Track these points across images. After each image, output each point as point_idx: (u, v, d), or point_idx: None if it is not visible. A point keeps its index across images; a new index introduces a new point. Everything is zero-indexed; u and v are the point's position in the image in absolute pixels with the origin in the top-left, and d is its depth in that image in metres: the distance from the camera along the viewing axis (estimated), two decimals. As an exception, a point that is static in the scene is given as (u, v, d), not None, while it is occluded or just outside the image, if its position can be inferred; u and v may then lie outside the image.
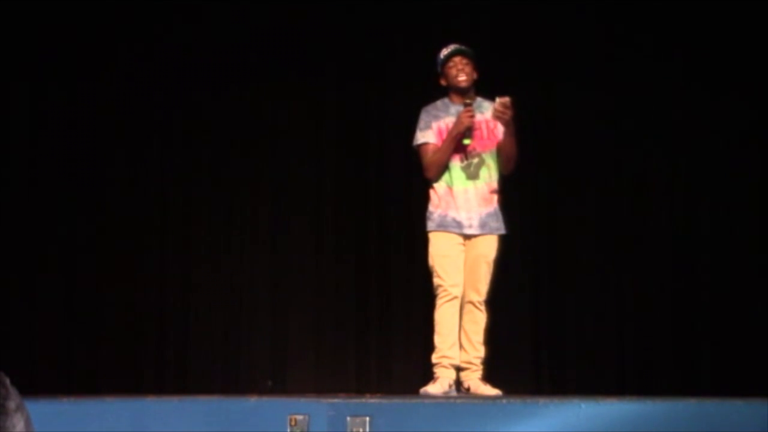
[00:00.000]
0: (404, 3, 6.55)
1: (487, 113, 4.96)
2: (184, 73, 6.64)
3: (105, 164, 6.57)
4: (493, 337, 4.98)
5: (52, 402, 3.76)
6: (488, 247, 4.90)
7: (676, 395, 5.07)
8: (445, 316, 4.84)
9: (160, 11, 6.57)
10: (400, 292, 6.52)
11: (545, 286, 6.63)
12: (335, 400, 3.54)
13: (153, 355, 6.51)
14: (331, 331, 6.58)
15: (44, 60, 6.50)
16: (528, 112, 5.19)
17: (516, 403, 3.82)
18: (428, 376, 4.89)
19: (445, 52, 4.97)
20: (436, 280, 4.88)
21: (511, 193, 5.74)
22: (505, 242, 5.07)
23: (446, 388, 4.78)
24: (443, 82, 5.00)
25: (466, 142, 4.86)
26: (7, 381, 2.02)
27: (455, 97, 4.96)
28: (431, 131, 4.95)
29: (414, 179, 5.11)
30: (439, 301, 4.85)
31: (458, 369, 4.88)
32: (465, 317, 4.87)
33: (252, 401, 3.65)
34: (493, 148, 4.93)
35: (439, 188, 4.93)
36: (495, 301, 5.00)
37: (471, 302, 4.86)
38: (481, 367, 4.90)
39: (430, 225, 4.94)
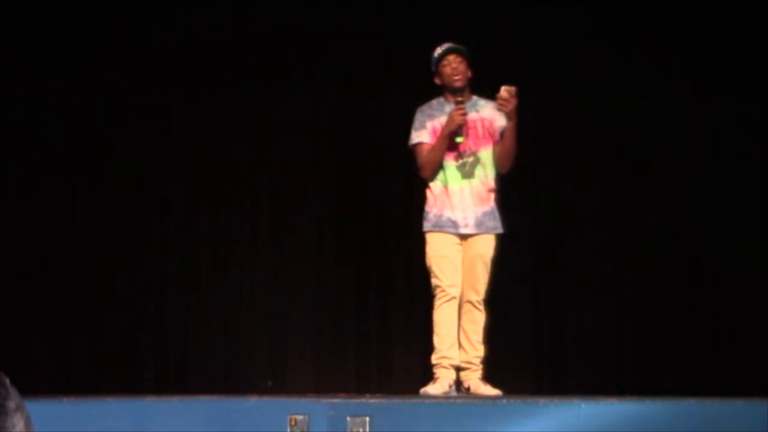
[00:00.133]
0: (404, 3, 6.55)
1: (483, 111, 4.95)
2: (184, 73, 6.63)
3: (105, 164, 6.57)
4: (493, 337, 4.98)
5: (52, 402, 3.77)
6: (485, 247, 4.88)
7: (676, 395, 5.07)
8: (443, 316, 4.83)
9: (160, 11, 6.57)
10: (400, 292, 6.52)
11: (545, 286, 6.62)
12: (335, 400, 3.55)
13: (153, 355, 6.51)
14: (331, 331, 6.58)
15: (44, 60, 6.50)
16: (528, 111, 5.17)
17: (516, 403, 3.83)
18: (428, 377, 4.89)
19: (439, 50, 4.96)
20: (433, 281, 4.87)
21: (511, 192, 5.74)
22: (504, 242, 5.06)
23: (446, 388, 4.78)
24: (438, 81, 4.99)
25: (459, 140, 4.85)
26: (7, 381, 2.01)
27: (450, 96, 4.94)
28: (426, 131, 4.94)
29: (414, 179, 5.11)
30: (437, 302, 4.85)
31: (458, 369, 4.87)
32: (464, 317, 4.87)
33: (252, 401, 3.65)
34: (489, 147, 4.92)
35: (434, 188, 4.93)
36: (495, 301, 5.01)
37: (470, 302, 4.85)
38: (480, 366, 4.89)
39: (426, 225, 4.93)
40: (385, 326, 6.60)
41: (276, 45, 6.61)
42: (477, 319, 4.86)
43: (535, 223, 6.64)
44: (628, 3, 6.53)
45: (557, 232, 6.66)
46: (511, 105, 4.76)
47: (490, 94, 4.88)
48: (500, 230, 4.93)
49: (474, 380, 4.85)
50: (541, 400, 3.77)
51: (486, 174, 4.90)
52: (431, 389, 4.77)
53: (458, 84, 4.92)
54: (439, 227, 4.88)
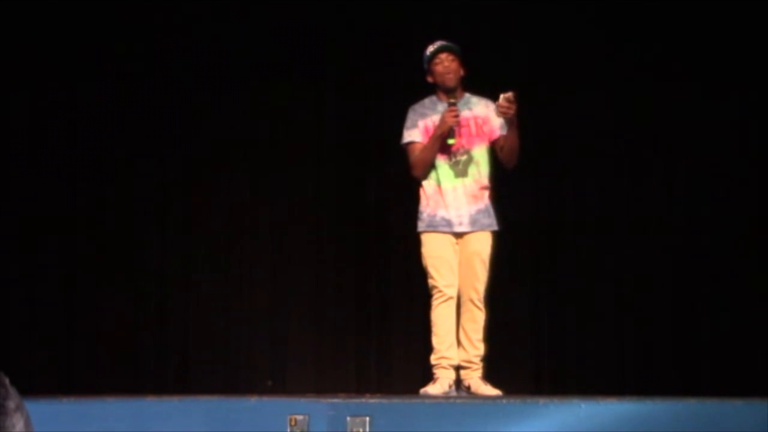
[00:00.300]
0: (405, 3, 6.55)
1: (476, 109, 4.94)
2: (185, 73, 6.63)
3: (105, 164, 6.57)
4: (493, 337, 4.98)
5: (52, 402, 3.77)
6: (481, 244, 4.87)
7: (676, 395, 5.07)
8: (441, 317, 4.82)
9: (160, 11, 6.56)
10: (400, 292, 6.52)
11: (545, 286, 6.62)
12: (335, 400, 3.55)
13: (153, 355, 6.51)
14: (331, 331, 6.58)
15: (44, 61, 6.50)
16: (528, 111, 5.17)
17: (516, 403, 3.83)
18: (428, 377, 4.88)
19: (431, 48, 4.95)
20: (430, 282, 4.86)
21: (511, 192, 5.75)
22: (504, 241, 5.06)
23: (446, 388, 4.77)
24: (430, 80, 4.98)
25: (451, 141, 4.83)
26: (7, 381, 2.02)
27: (443, 95, 4.93)
28: (417, 130, 4.93)
29: (414, 179, 5.10)
30: (434, 302, 4.84)
31: (458, 368, 4.86)
32: (464, 316, 4.86)
33: (252, 401, 3.65)
34: (483, 145, 4.90)
35: (428, 187, 4.92)
36: (495, 301, 5.00)
37: (469, 301, 4.83)
38: (481, 365, 4.88)
39: (421, 225, 4.93)
40: (385, 326, 6.60)
41: (276, 45, 6.62)
42: (477, 318, 4.85)
43: (536, 223, 6.64)
44: (629, 3, 6.53)
45: (557, 232, 6.66)
46: (512, 111, 4.76)
47: (491, 93, 4.87)
48: (496, 227, 4.92)
49: (474, 379, 4.85)
50: (541, 400, 3.77)
51: (479, 172, 4.89)
52: (431, 389, 4.77)
53: (450, 83, 4.91)
54: (434, 227, 4.88)
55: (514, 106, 4.74)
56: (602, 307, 6.54)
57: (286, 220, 6.67)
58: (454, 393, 4.80)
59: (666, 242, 6.56)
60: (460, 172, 4.87)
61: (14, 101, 6.53)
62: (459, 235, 4.86)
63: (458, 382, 4.86)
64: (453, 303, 4.82)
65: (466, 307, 4.85)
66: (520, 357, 6.45)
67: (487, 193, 4.91)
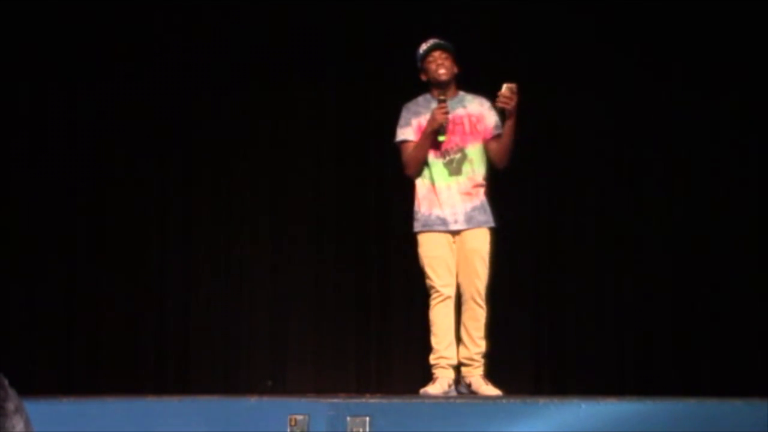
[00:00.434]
0: (405, 3, 6.55)
1: (470, 107, 4.93)
2: (185, 74, 6.63)
3: (106, 164, 6.57)
4: (493, 337, 4.97)
5: (52, 402, 3.76)
6: (479, 241, 4.85)
7: (676, 395, 5.07)
8: (439, 316, 4.82)
9: (160, 12, 6.57)
10: (400, 292, 6.52)
11: (545, 285, 6.62)
12: (335, 400, 3.54)
13: (153, 355, 6.51)
14: (331, 331, 6.58)
15: (44, 61, 6.50)
16: (529, 110, 5.16)
17: (516, 403, 3.82)
18: (428, 377, 4.88)
19: (424, 47, 4.95)
20: (427, 282, 4.85)
21: (511, 190, 5.74)
22: (504, 241, 5.05)
23: (445, 388, 4.77)
24: (424, 78, 4.98)
25: (441, 139, 4.82)
26: (6, 382, 2.02)
27: (437, 92, 4.92)
28: (410, 128, 4.92)
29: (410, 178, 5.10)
30: (432, 302, 4.83)
31: (460, 365, 4.86)
32: (465, 314, 4.84)
33: (252, 401, 3.65)
34: (477, 143, 4.89)
35: (421, 187, 4.91)
36: (495, 301, 4.99)
37: (470, 299, 4.82)
38: (482, 361, 4.87)
39: (416, 226, 4.92)
40: (385, 326, 6.61)
41: (276, 45, 6.62)
42: (478, 316, 4.84)
43: (536, 223, 6.65)
44: (629, 4, 6.53)
45: (557, 232, 6.66)
46: (513, 102, 4.74)
47: (490, 93, 4.87)
48: (492, 224, 4.90)
49: (476, 377, 4.84)
50: (541, 400, 3.76)
51: (473, 170, 4.87)
52: (431, 389, 4.76)
53: (443, 78, 4.90)
54: (429, 226, 4.87)
55: (515, 98, 4.72)
56: (602, 307, 6.54)
57: (286, 220, 6.68)
58: (453, 393, 4.80)
59: (666, 242, 6.56)
60: (454, 170, 4.86)
61: (14, 101, 6.52)
62: (455, 233, 4.85)
63: (459, 378, 4.86)
64: (451, 302, 4.82)
65: (468, 305, 4.83)
66: (520, 357, 6.45)
67: (482, 191, 4.90)
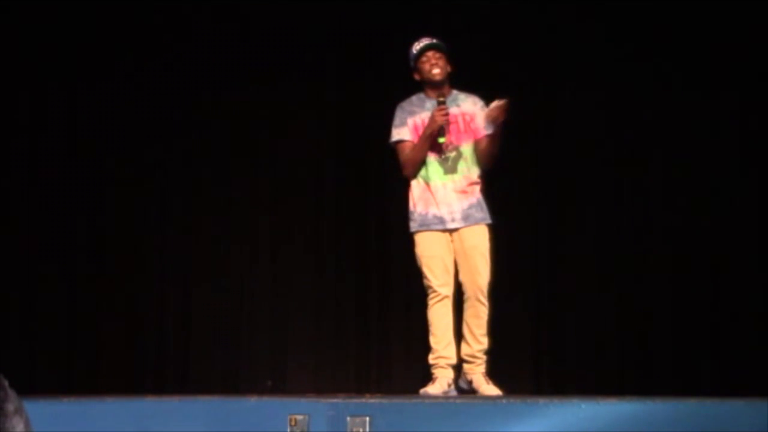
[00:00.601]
0: (404, 3, 6.55)
1: (463, 105, 4.94)
2: (184, 74, 6.63)
3: (106, 165, 6.57)
4: (493, 337, 4.97)
5: (52, 402, 3.76)
6: (477, 238, 4.85)
7: (676, 395, 5.07)
8: (437, 316, 4.82)
9: (160, 12, 6.56)
10: (399, 293, 6.52)
11: (545, 285, 6.62)
12: (335, 400, 3.54)
13: (153, 355, 6.51)
14: (331, 331, 6.58)
15: (44, 62, 6.50)
16: (529, 110, 5.17)
17: (516, 403, 3.82)
18: (428, 377, 4.89)
19: (417, 47, 4.95)
20: (425, 282, 4.86)
21: (511, 189, 5.74)
22: (504, 241, 5.05)
23: (445, 387, 4.78)
24: (417, 77, 4.99)
25: (441, 140, 4.83)
26: (6, 383, 2.02)
27: (430, 92, 4.93)
28: (406, 128, 4.93)
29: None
30: (430, 302, 4.84)
31: (462, 362, 4.86)
32: (467, 312, 4.84)
33: (252, 401, 3.65)
34: (471, 141, 4.90)
35: (416, 187, 4.91)
36: (495, 301, 4.99)
37: (472, 296, 4.82)
38: (484, 358, 4.87)
39: (413, 225, 4.93)
40: (385, 326, 6.60)
41: (276, 45, 6.61)
42: (480, 313, 4.84)
43: (536, 223, 6.64)
44: (629, 4, 6.53)
45: (557, 231, 6.66)
46: (500, 119, 4.76)
47: (490, 93, 4.87)
48: (489, 221, 4.90)
49: (477, 375, 4.84)
50: (541, 400, 3.77)
51: (468, 168, 4.88)
52: (431, 389, 4.77)
53: (437, 77, 4.91)
54: (426, 226, 4.87)
55: (503, 116, 4.74)
56: (602, 307, 6.53)
57: (286, 220, 6.67)
58: (453, 392, 4.80)
59: (666, 242, 6.55)
60: (450, 168, 4.86)
61: (14, 102, 6.52)
62: (452, 232, 4.85)
63: (461, 376, 4.86)
64: (449, 302, 4.82)
65: (470, 302, 4.83)
66: (520, 357, 6.45)
67: (477, 188, 4.91)
